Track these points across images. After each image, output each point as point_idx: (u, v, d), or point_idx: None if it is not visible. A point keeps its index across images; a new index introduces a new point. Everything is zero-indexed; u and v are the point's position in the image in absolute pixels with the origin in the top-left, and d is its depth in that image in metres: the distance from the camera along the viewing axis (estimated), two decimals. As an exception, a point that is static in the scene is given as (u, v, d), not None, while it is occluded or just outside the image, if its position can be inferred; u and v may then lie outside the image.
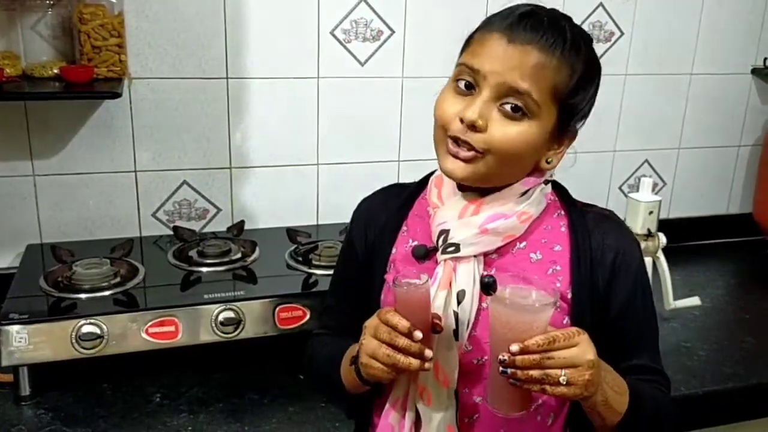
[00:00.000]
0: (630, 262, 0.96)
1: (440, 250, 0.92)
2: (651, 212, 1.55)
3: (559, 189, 1.01)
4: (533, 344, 0.80)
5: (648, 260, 1.58)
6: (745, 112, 2.12)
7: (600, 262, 0.95)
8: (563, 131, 0.92)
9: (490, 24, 0.90)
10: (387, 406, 0.95)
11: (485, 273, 0.92)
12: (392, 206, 1.04)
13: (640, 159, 2.05)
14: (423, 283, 0.87)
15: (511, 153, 0.87)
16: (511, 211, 0.92)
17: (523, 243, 0.95)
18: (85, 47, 1.43)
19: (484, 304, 0.91)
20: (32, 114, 1.53)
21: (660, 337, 1.56)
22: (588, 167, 1.96)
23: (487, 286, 0.84)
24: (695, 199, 2.15)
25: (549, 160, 0.93)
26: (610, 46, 1.91)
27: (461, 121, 0.87)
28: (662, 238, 1.58)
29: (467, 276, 0.91)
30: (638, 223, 1.55)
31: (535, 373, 0.81)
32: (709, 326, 1.67)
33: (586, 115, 0.94)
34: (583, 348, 0.82)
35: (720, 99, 2.08)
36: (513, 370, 0.81)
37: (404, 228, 1.02)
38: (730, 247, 2.15)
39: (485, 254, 0.93)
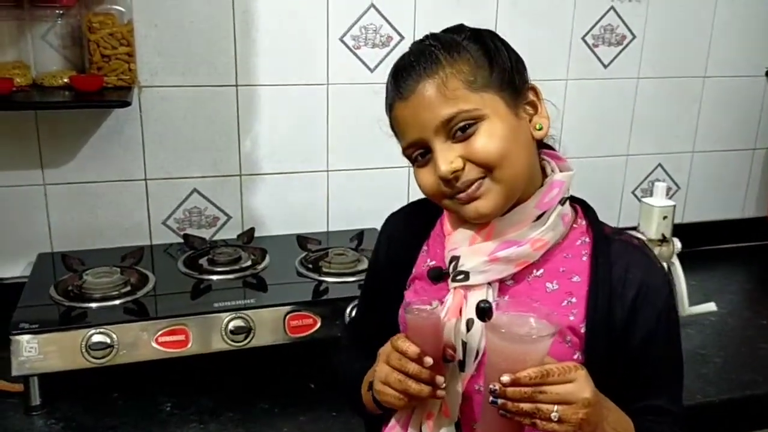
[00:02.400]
0: (654, 298, 0.90)
1: (450, 277, 0.90)
2: (665, 217, 1.53)
3: (588, 212, 0.96)
4: (525, 377, 0.78)
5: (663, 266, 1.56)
6: (760, 114, 2.09)
7: (619, 297, 0.89)
8: (519, 96, 0.89)
9: (388, 101, 0.92)
10: (392, 422, 0.94)
11: (482, 299, 0.88)
12: (417, 223, 1.03)
13: (653, 163, 2.03)
14: (432, 310, 0.86)
15: (499, 152, 0.85)
16: (524, 238, 0.88)
17: (540, 270, 0.91)
18: (94, 56, 1.44)
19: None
20: (42, 123, 1.53)
21: (675, 344, 1.56)
22: (601, 172, 1.95)
23: (482, 312, 0.81)
24: (709, 203, 2.12)
25: (538, 126, 0.90)
26: (622, 50, 1.89)
27: (445, 181, 0.86)
28: (677, 243, 1.56)
29: (476, 303, 0.88)
30: (652, 228, 1.53)
31: (525, 406, 0.78)
32: (725, 332, 1.64)
33: (518, 62, 0.91)
34: (579, 385, 0.79)
35: (734, 102, 2.05)
36: (503, 401, 0.79)
37: (425, 247, 1.01)
38: (745, 251, 2.12)
39: (500, 281, 0.90)
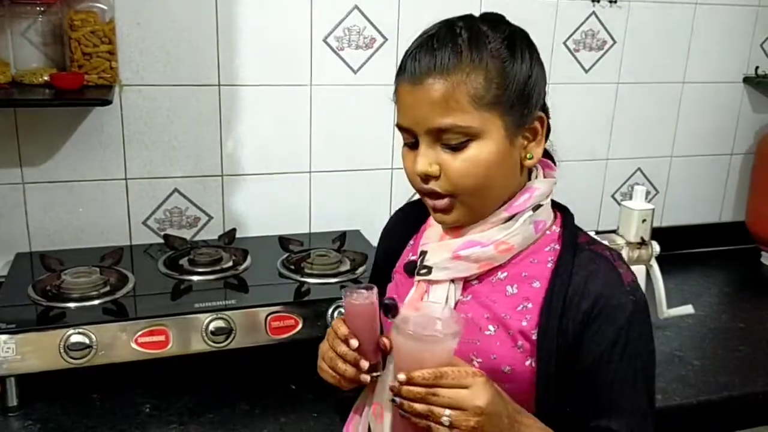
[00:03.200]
0: (613, 314, 0.85)
1: (416, 271, 0.91)
2: (644, 220, 1.55)
3: (566, 219, 0.94)
4: (418, 376, 0.78)
5: (641, 268, 1.58)
6: (737, 120, 2.13)
7: (573, 307, 0.86)
8: (523, 123, 0.86)
9: (399, 71, 0.89)
10: (351, 411, 0.97)
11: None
12: (413, 218, 1.04)
13: (632, 167, 2.05)
14: (366, 297, 0.88)
15: (476, 182, 0.85)
16: (489, 240, 0.88)
17: (505, 273, 0.91)
18: (75, 54, 1.42)
19: (488, 332, 0.89)
20: (22, 121, 1.51)
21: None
22: (580, 175, 1.96)
23: (387, 309, 0.83)
24: (688, 207, 2.15)
25: (529, 156, 0.88)
26: (603, 55, 1.91)
27: (421, 177, 0.87)
28: (655, 247, 1.58)
29: (439, 298, 0.89)
30: (632, 232, 1.55)
31: (418, 407, 0.78)
32: (703, 335, 1.66)
33: (537, 90, 0.86)
34: (473, 391, 0.78)
35: (712, 107, 2.08)
36: (400, 400, 0.79)
37: (411, 242, 1.03)
38: (723, 255, 2.15)
39: (466, 280, 0.91)
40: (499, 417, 0.79)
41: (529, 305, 0.88)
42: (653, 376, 0.92)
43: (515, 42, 0.86)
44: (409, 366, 0.79)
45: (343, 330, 0.88)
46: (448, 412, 0.77)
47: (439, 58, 0.83)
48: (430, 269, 0.90)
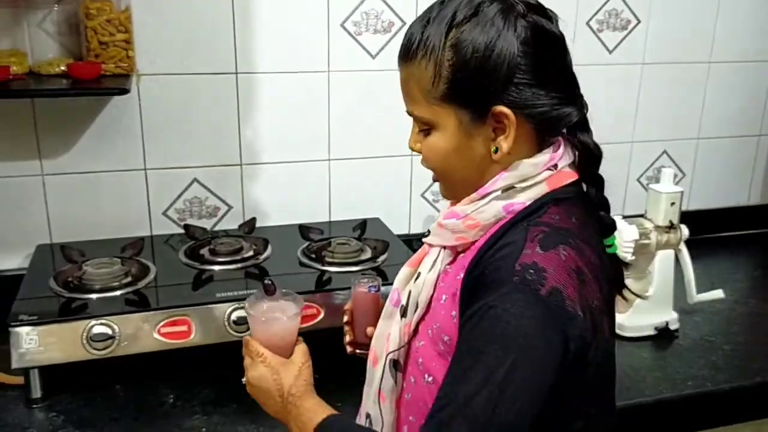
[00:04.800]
0: (490, 284, 0.78)
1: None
2: (673, 203, 1.51)
3: (548, 206, 0.86)
4: (245, 342, 0.98)
5: (670, 253, 1.54)
6: (766, 100, 2.07)
7: (473, 276, 0.82)
8: (480, 118, 0.83)
9: None
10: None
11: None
12: None
13: (658, 150, 2.01)
14: (364, 287, 1.08)
15: (436, 167, 0.89)
16: (462, 213, 0.88)
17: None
18: (91, 43, 1.41)
19: (441, 300, 0.87)
20: (40, 113, 1.50)
21: (683, 332, 1.55)
22: (605, 159, 1.90)
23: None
24: (715, 190, 2.10)
25: (494, 149, 0.84)
26: (627, 35, 1.87)
27: None
28: (684, 230, 1.54)
29: (429, 262, 0.92)
30: (660, 215, 1.51)
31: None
32: (733, 320, 1.63)
33: (496, 86, 0.81)
34: (249, 366, 0.97)
35: (739, 87, 2.03)
36: None
37: None
38: (751, 238, 2.10)
39: (457, 250, 0.89)
40: (267, 392, 0.94)
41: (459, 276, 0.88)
42: (501, 377, 0.73)
43: (481, 33, 0.81)
44: (256, 337, 0.97)
45: (346, 307, 1.10)
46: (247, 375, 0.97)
47: (404, 46, 0.86)
48: (428, 232, 0.95)
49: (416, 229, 1.85)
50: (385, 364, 0.94)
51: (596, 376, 0.83)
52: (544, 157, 0.86)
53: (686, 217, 1.58)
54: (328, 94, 1.69)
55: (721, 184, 2.10)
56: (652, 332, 1.52)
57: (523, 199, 0.85)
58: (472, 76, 0.81)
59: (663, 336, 1.52)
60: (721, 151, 2.07)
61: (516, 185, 0.85)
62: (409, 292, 0.92)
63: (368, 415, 0.98)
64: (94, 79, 1.39)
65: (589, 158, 0.88)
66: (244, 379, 0.98)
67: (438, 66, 0.82)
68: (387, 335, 0.94)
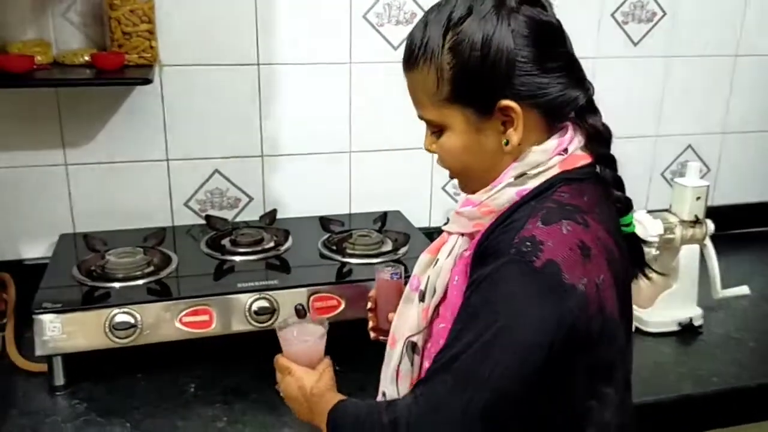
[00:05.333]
0: (490, 256, 0.81)
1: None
2: (698, 198, 1.49)
3: (558, 186, 0.87)
4: (275, 360, 1.05)
5: (695, 248, 1.52)
6: (793, 94, 2.03)
7: (480, 249, 0.85)
8: (489, 113, 0.84)
9: None
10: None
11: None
12: None
13: (683, 144, 1.98)
14: (386, 275, 1.11)
15: (452, 166, 0.91)
16: (477, 201, 0.90)
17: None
18: (115, 34, 1.42)
19: (454, 281, 0.90)
20: (64, 102, 1.51)
21: (707, 328, 1.53)
22: (628, 153, 1.88)
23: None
24: (740, 185, 2.07)
25: (504, 141, 0.86)
26: (652, 27, 1.84)
27: None
28: (710, 225, 1.52)
29: (447, 249, 0.94)
30: (685, 210, 1.49)
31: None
32: (758, 316, 1.61)
33: (500, 81, 0.82)
34: (281, 382, 1.04)
35: (766, 82, 1.99)
36: None
37: None
38: (776, 235, 2.07)
39: (473, 238, 0.90)
40: (296, 399, 1.00)
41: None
42: (487, 339, 0.78)
43: (477, 32, 0.82)
44: (285, 356, 1.05)
45: (370, 294, 1.14)
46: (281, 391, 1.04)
47: (405, 54, 0.89)
48: (448, 221, 0.97)
49: (436, 222, 1.84)
50: (403, 346, 0.96)
51: (606, 353, 0.83)
52: (553, 142, 0.87)
53: (711, 212, 1.56)
54: (349, 86, 1.68)
55: (747, 179, 2.07)
56: (675, 328, 1.50)
57: (535, 184, 0.87)
58: (473, 75, 0.84)
59: (687, 332, 1.50)
60: (747, 145, 2.04)
61: (528, 172, 0.87)
62: (428, 278, 0.95)
63: (384, 394, 1.02)
64: (117, 70, 1.40)
65: (598, 139, 0.89)
66: (281, 393, 1.05)
67: (439, 70, 0.84)
68: (406, 319, 0.97)
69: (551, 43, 0.85)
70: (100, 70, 1.39)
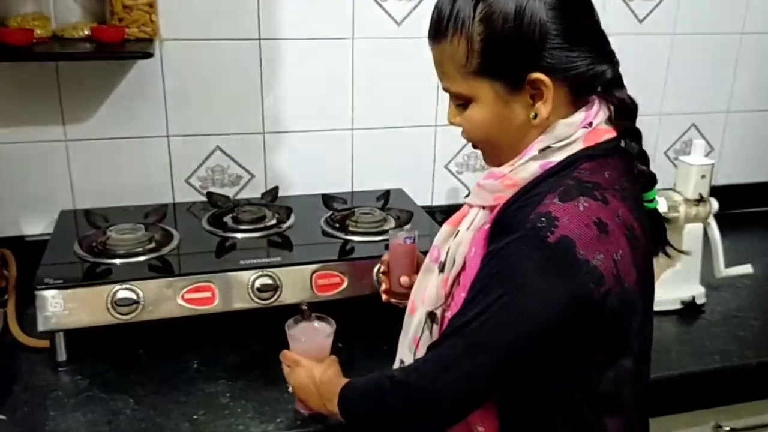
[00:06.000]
0: (505, 229, 0.82)
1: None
2: (703, 176, 1.48)
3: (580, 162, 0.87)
4: (282, 355, 1.11)
5: (698, 226, 1.51)
6: (799, 73, 2.02)
7: (496, 224, 0.86)
8: (516, 86, 0.84)
9: None
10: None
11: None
12: None
13: (687, 123, 1.97)
14: (401, 239, 1.13)
15: (477, 138, 0.91)
16: (500, 174, 0.89)
17: None
18: (115, 7, 1.40)
19: (472, 253, 0.90)
20: (64, 77, 1.50)
21: (710, 306, 1.52)
22: (632, 132, 1.88)
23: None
24: (744, 164, 2.06)
25: (532, 115, 0.85)
26: (658, 4, 1.82)
27: None
28: (714, 204, 1.51)
29: (468, 221, 0.94)
30: (690, 188, 1.48)
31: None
32: (761, 295, 1.60)
33: (530, 53, 0.82)
34: (291, 374, 1.08)
35: (772, 60, 1.98)
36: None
37: None
38: (780, 214, 2.06)
39: (493, 209, 0.91)
40: (306, 387, 1.04)
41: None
42: (496, 309, 0.79)
43: (509, 3, 0.82)
44: (294, 351, 1.12)
45: (383, 257, 1.16)
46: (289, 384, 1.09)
47: (433, 25, 0.87)
48: (469, 193, 0.97)
49: (439, 201, 1.83)
50: (422, 315, 0.98)
51: (624, 326, 0.84)
52: (579, 116, 0.87)
53: (714, 191, 1.55)
54: (352, 62, 1.66)
55: (751, 158, 2.06)
56: (678, 306, 1.50)
57: (559, 158, 0.86)
58: (504, 47, 0.83)
59: (689, 310, 1.50)
60: (751, 124, 2.03)
61: (552, 145, 0.86)
62: (448, 249, 0.95)
63: (402, 362, 1.02)
64: (117, 44, 1.38)
65: (625, 113, 0.89)
66: (290, 388, 1.10)
67: (470, 41, 0.83)
68: (425, 288, 0.98)
69: (581, 16, 0.85)
70: (100, 43, 1.38)
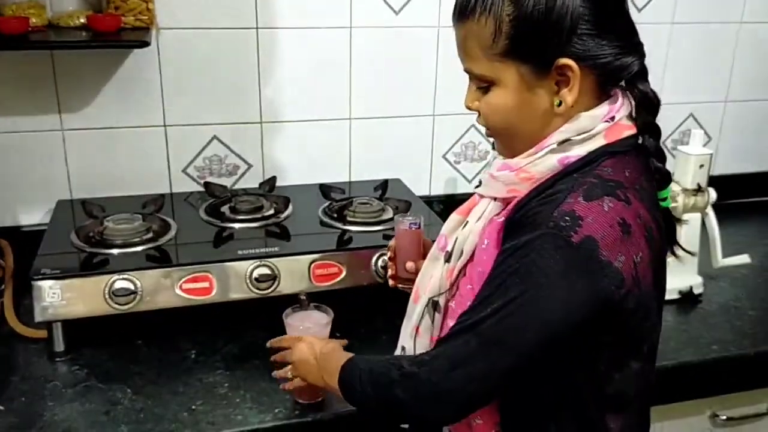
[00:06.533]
0: (526, 227, 0.80)
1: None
2: (702, 166, 1.48)
3: (601, 160, 0.85)
4: (270, 343, 1.13)
5: (696, 216, 1.51)
6: (797, 63, 2.01)
7: (513, 218, 0.84)
8: (542, 72, 0.82)
9: None
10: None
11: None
12: None
13: (685, 113, 1.97)
14: (407, 224, 1.13)
15: (497, 125, 0.88)
16: (516, 166, 0.87)
17: None
18: (111, -5, 1.39)
19: (483, 245, 0.88)
20: (59, 66, 1.49)
21: (707, 296, 1.52)
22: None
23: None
24: (742, 154, 2.05)
25: (557, 102, 0.83)
26: (657, -7, 1.82)
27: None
28: (712, 194, 1.51)
29: (477, 212, 0.93)
30: (688, 178, 1.48)
31: (279, 371, 1.10)
32: (758, 285, 1.61)
33: (558, 38, 0.80)
34: (292, 351, 1.07)
35: (770, 49, 1.98)
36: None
37: None
38: (777, 204, 2.07)
39: (505, 202, 0.90)
40: (306, 362, 1.03)
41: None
42: (515, 307, 0.78)
43: None
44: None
45: (390, 243, 1.16)
46: (288, 368, 1.07)
47: (460, 3, 0.85)
48: (480, 183, 0.95)
49: (436, 191, 1.83)
50: (425, 303, 0.97)
51: (637, 329, 0.83)
52: (602, 109, 0.85)
53: (712, 181, 1.55)
54: (349, 51, 1.66)
55: (749, 148, 2.06)
56: (675, 296, 1.50)
57: (579, 152, 0.85)
58: (534, 29, 0.80)
59: (687, 300, 1.51)
60: (750, 114, 2.02)
61: (572, 138, 0.84)
62: (456, 239, 0.94)
63: (403, 348, 1.02)
64: (113, 32, 1.37)
65: (647, 107, 0.87)
66: (290, 374, 1.08)
67: (498, 21, 0.81)
68: (430, 276, 0.97)
69: (613, 4, 0.83)
70: (96, 32, 1.37)
